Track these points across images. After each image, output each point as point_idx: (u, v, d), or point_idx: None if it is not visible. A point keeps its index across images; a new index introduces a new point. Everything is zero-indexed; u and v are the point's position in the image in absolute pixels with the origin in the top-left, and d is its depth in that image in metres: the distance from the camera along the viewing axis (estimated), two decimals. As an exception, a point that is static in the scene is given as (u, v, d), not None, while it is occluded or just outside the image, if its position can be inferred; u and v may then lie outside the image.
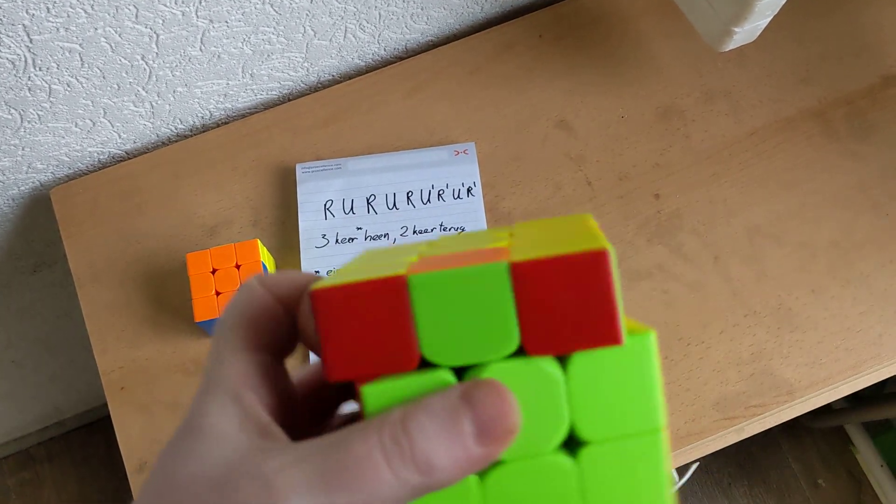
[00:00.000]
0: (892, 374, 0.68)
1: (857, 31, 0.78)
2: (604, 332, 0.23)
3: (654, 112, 0.75)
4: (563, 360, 0.24)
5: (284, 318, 0.26)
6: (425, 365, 0.24)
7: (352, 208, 0.72)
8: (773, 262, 0.70)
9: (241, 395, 0.24)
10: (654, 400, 0.24)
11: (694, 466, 1.01)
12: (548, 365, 0.23)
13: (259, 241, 0.67)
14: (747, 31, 0.64)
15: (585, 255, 0.23)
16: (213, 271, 0.66)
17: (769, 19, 0.63)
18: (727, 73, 0.76)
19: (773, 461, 1.41)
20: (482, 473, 0.24)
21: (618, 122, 0.75)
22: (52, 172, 0.74)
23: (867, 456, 1.34)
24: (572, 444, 0.24)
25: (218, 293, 0.65)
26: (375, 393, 0.23)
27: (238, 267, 0.66)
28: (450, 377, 0.23)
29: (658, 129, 0.75)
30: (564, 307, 0.23)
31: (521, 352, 0.23)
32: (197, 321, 0.64)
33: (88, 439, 1.44)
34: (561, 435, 0.24)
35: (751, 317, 0.69)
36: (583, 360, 0.23)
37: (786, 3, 0.61)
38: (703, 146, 0.74)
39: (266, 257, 0.68)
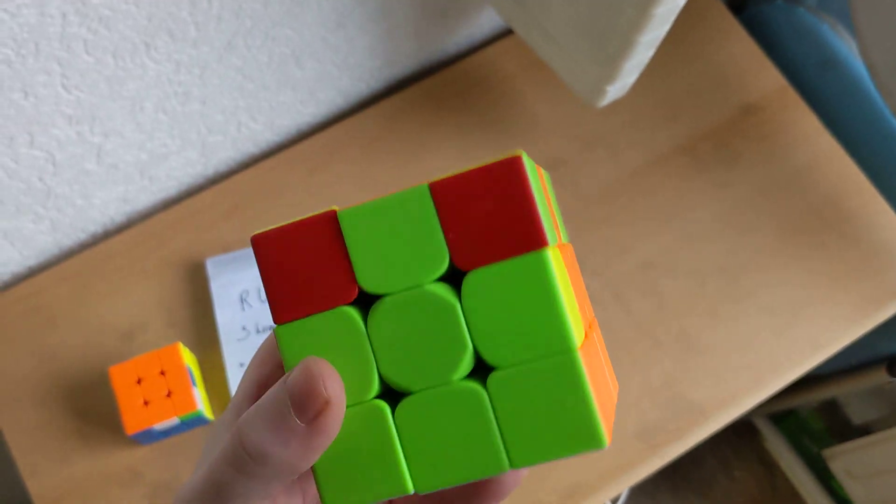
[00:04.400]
0: (792, 380, 0.74)
1: (711, 69, 0.85)
2: (528, 235, 0.23)
3: (541, 164, 0.80)
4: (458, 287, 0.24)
5: None
6: (365, 297, 0.24)
7: (267, 296, 0.73)
8: (668, 292, 0.76)
9: None
10: (558, 319, 0.23)
11: (625, 492, 1.06)
12: (441, 290, 0.23)
13: (181, 344, 0.67)
14: (618, 88, 0.69)
15: (500, 163, 0.23)
16: (139, 381, 0.66)
17: (637, 75, 0.68)
18: (601, 121, 0.82)
19: (691, 459, 1.48)
20: (393, 406, 0.24)
21: (510, 179, 0.79)
22: (-47, 300, 0.73)
23: (775, 443, 1.42)
24: (484, 370, 0.24)
25: (146, 402, 0.65)
26: (288, 333, 0.24)
27: (163, 373, 0.66)
28: (351, 311, 0.24)
29: (548, 181, 0.79)
30: (487, 218, 0.23)
31: (454, 271, 0.24)
32: (129, 434, 0.64)
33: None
34: (466, 362, 0.24)
35: (656, 347, 0.74)
36: (476, 282, 0.23)
37: (648, 60, 0.67)
38: (591, 191, 0.79)
39: (189, 359, 0.69)
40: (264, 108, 0.74)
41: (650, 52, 0.65)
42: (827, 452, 1.29)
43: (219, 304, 0.73)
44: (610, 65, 0.65)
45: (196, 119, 0.70)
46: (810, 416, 1.43)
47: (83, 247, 0.77)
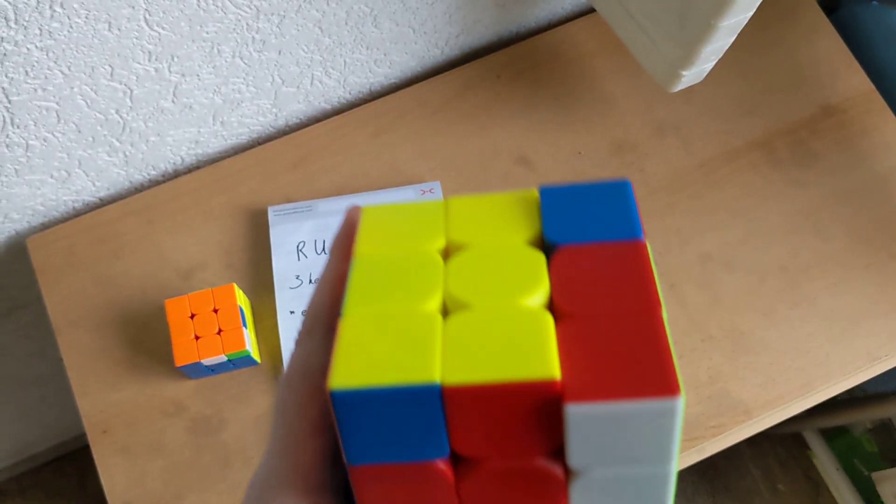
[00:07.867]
0: (842, 390, 0.72)
1: (796, 66, 0.83)
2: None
3: (609, 147, 0.79)
4: None
5: None
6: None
7: (324, 248, 0.74)
8: (725, 287, 0.74)
9: (308, 482, 0.23)
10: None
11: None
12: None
13: (235, 285, 0.69)
14: (694, 74, 0.68)
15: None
16: (192, 316, 0.68)
17: (715, 62, 0.67)
18: (676, 108, 0.80)
19: (734, 468, 1.46)
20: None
21: (575, 157, 0.79)
22: (27, 222, 0.76)
23: (823, 460, 1.39)
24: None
25: (197, 337, 0.67)
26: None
27: (216, 311, 0.68)
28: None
29: (614, 164, 0.78)
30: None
31: None
32: (178, 366, 0.66)
33: (60, 472, 1.44)
34: None
35: (707, 341, 0.72)
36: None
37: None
38: (657, 178, 0.78)
39: (242, 300, 0.71)
40: (339, 64, 0.75)
41: (730, 39, 0.64)
42: (877, 475, 1.25)
43: (276, 251, 0.74)
44: (688, 48, 0.64)
45: (272, 68, 0.71)
46: (864, 438, 1.39)
47: (153, 183, 0.79)
